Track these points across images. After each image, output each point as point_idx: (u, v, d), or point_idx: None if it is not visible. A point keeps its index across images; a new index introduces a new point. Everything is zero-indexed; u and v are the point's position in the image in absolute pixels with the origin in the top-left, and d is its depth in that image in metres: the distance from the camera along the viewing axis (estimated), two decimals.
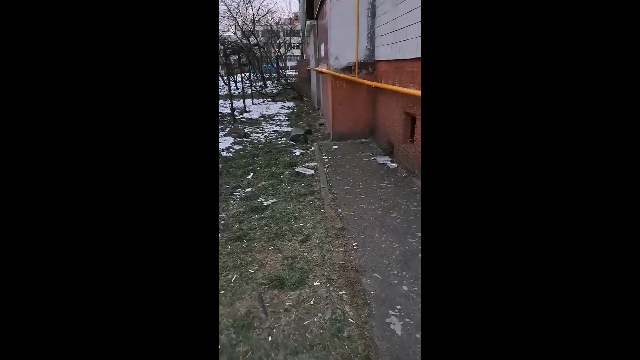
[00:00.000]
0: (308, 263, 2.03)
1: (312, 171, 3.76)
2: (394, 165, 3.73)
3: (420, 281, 1.79)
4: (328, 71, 4.92)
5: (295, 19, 26.92)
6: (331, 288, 1.80)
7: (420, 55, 2.98)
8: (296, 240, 2.31)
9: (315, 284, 1.84)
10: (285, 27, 24.56)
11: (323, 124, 6.56)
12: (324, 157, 4.30)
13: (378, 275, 1.87)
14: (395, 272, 1.89)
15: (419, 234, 2.25)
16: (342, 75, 4.77)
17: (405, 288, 1.75)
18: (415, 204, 2.73)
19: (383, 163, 3.85)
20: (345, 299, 1.70)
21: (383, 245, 2.16)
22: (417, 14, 2.96)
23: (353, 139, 5.16)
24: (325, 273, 1.92)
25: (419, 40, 2.97)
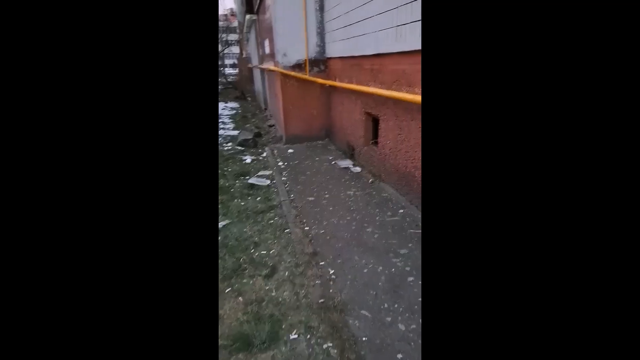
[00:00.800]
0: (279, 307, 1.63)
1: (268, 181, 3.33)
2: (358, 169, 3.48)
3: (417, 315, 1.51)
4: (276, 69, 4.49)
5: (232, 15, 25.75)
6: (313, 340, 1.42)
7: (380, 52, 2.74)
8: (260, 275, 1.88)
9: (292, 337, 1.45)
10: (220, 23, 23.27)
11: (273, 125, 6.10)
12: (279, 164, 3.88)
13: (367, 313, 1.55)
14: (385, 305, 1.59)
15: (402, 251, 1.99)
16: (292, 73, 4.38)
17: (402, 327, 1.45)
18: (389, 213, 2.47)
19: (346, 167, 3.57)
20: (333, 355, 1.35)
21: (365, 271, 1.85)
22: (377, 5, 2.70)
23: (308, 141, 4.81)
24: (303, 319, 1.54)
25: (380, 34, 2.72)
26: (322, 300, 1.65)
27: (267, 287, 1.77)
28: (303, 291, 1.72)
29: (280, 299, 1.68)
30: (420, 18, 2.11)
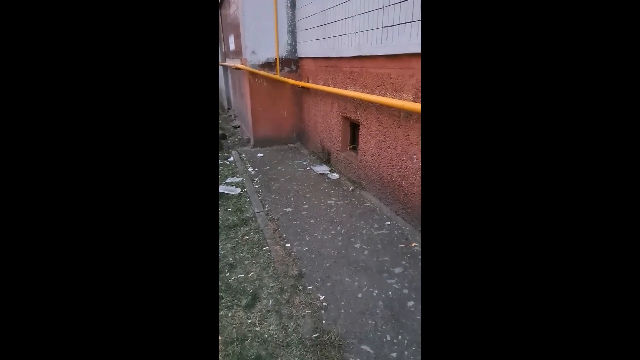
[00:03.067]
0: (265, 345, 1.39)
1: (239, 189, 3.03)
2: (336, 175, 3.31)
3: (420, 348, 1.36)
4: (244, 67, 4.17)
5: None
6: None
7: (362, 54, 2.59)
8: (239, 305, 1.62)
9: None
10: None
11: (239, 127, 5.72)
12: (249, 169, 3.58)
13: (368, 349, 1.37)
14: (388, 337, 1.42)
15: (396, 271, 1.85)
16: (262, 72, 4.10)
17: None
18: (376, 226, 2.33)
19: (322, 174, 3.38)
20: None
21: (359, 295, 1.67)
22: (360, 4, 2.55)
23: (278, 144, 4.55)
24: (296, 359, 1.32)
25: (362, 35, 2.57)
26: (315, 334, 1.44)
27: (250, 321, 1.52)
28: (292, 324, 1.50)
29: (266, 335, 1.43)
30: (411, 19, 1.98)
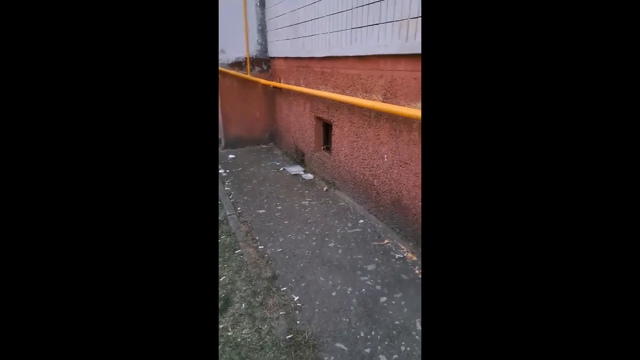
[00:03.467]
0: (238, 349, 1.36)
1: None
2: (310, 176, 3.30)
3: (397, 342, 1.39)
4: None
5: None
6: None
7: (332, 54, 2.62)
8: None
9: None
10: None
11: None
12: (220, 171, 3.49)
13: (343, 346, 1.38)
14: (362, 333, 1.44)
15: (369, 268, 1.88)
16: (231, 72, 4.02)
17: (384, 359, 1.32)
18: (349, 225, 2.35)
19: (296, 174, 3.36)
20: None
21: (334, 294, 1.68)
22: (329, 5, 2.57)
23: (250, 145, 4.48)
24: None
25: (332, 36, 2.59)
26: (289, 335, 1.42)
27: (222, 325, 1.48)
28: (265, 326, 1.47)
29: (239, 340, 1.40)
30: (378, 22, 2.03)
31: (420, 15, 1.72)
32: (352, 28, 2.32)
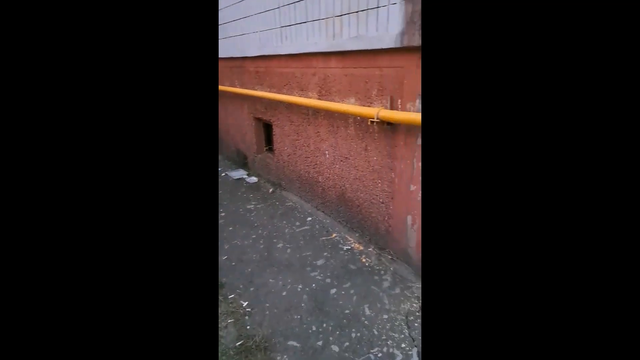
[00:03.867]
0: None
1: None
2: (254, 179, 3.23)
3: (348, 330, 1.42)
4: None
5: None
6: None
7: (264, 53, 2.59)
8: None
9: None
10: None
11: None
12: None
13: (295, 343, 1.37)
14: (313, 327, 1.44)
15: (319, 263, 1.89)
16: None
17: (335, 348, 1.34)
18: (298, 223, 2.35)
19: (240, 178, 3.26)
20: None
21: (284, 293, 1.66)
22: (255, 3, 2.53)
23: None
24: None
25: (262, 35, 2.56)
26: (239, 342, 1.37)
27: None
28: None
29: None
30: (306, 19, 2.06)
31: (343, 13, 1.78)
32: (282, 26, 2.32)
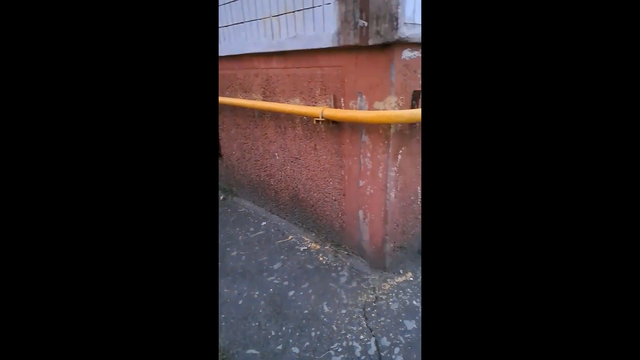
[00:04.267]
0: None
1: None
2: None
3: (307, 329, 1.41)
4: None
5: None
6: None
7: None
8: None
9: None
10: None
11: None
12: None
13: (254, 351, 1.33)
14: (272, 332, 1.41)
15: (275, 266, 1.86)
16: None
17: (295, 350, 1.32)
18: (252, 229, 2.29)
19: None
20: None
21: (240, 302, 1.60)
22: None
23: None
24: None
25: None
26: None
27: None
28: None
29: None
30: (243, 20, 2.01)
31: (280, 13, 1.78)
32: (220, 27, 2.24)
